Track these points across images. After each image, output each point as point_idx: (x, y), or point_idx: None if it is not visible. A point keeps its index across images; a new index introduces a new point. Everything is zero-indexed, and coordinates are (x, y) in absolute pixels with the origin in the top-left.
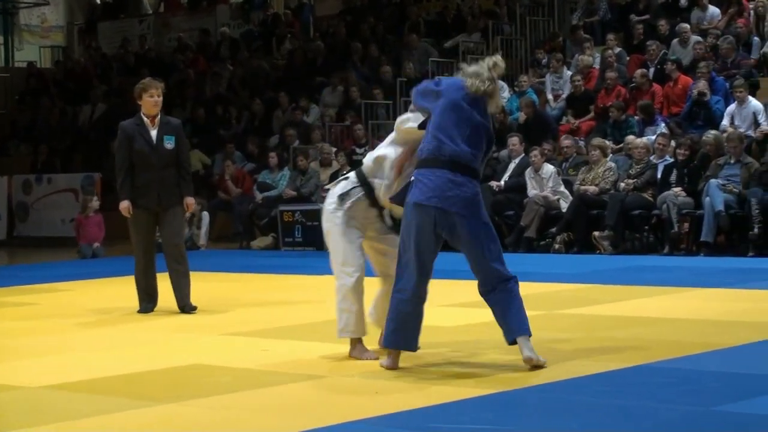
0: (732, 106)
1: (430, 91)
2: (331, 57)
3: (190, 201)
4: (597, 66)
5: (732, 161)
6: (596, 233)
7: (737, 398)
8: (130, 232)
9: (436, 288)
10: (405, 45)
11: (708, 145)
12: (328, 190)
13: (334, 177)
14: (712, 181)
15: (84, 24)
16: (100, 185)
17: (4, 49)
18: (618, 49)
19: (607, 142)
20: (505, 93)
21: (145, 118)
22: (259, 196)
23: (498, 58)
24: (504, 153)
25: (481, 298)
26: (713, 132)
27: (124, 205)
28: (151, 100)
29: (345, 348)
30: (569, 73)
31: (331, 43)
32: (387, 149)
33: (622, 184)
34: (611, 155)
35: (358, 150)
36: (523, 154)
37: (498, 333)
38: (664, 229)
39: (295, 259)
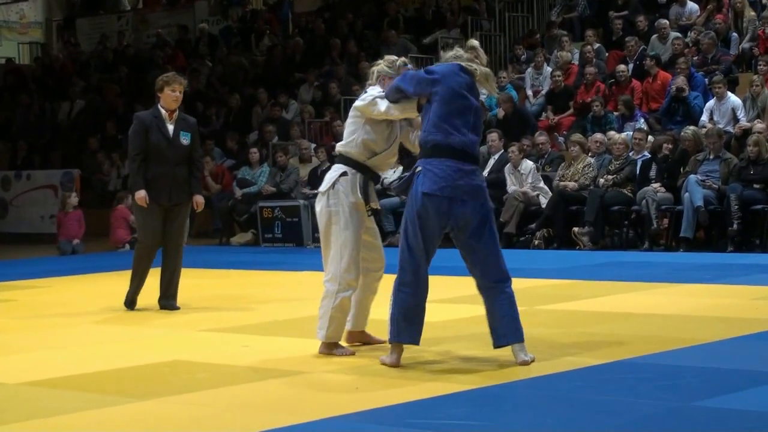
0: (711, 102)
1: (424, 79)
2: (310, 53)
3: (199, 199)
4: (576, 62)
5: (711, 157)
6: (576, 229)
7: (716, 393)
8: (138, 224)
9: None
10: (384, 41)
11: (687, 141)
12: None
13: (313, 173)
14: (691, 176)
15: (62, 20)
16: (79, 182)
17: None
18: (597, 45)
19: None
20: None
21: (163, 112)
22: (238, 193)
23: (472, 41)
24: (483, 149)
25: (465, 294)
26: (692, 128)
27: (141, 195)
28: (173, 94)
29: None
30: (549, 69)
31: (309, 39)
32: (365, 129)
33: (602, 180)
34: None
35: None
36: (503, 150)
37: (477, 329)
38: (643, 225)
39: (274, 255)
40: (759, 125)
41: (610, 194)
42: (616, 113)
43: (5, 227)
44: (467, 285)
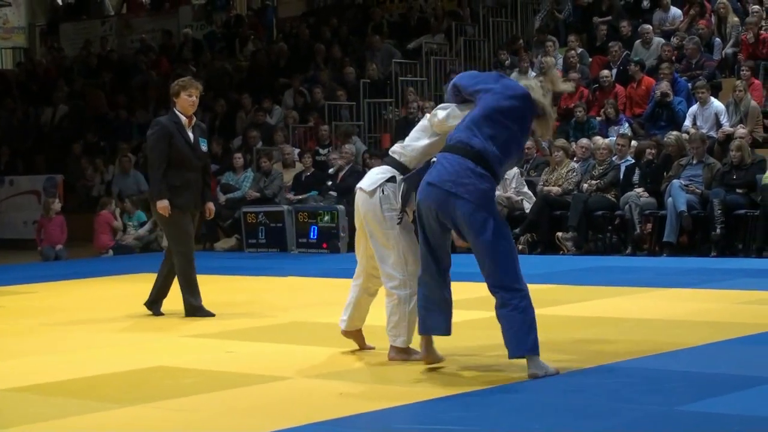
0: (694, 107)
1: (482, 79)
2: (294, 58)
3: (211, 206)
4: (560, 67)
5: (694, 162)
6: (560, 234)
7: (700, 398)
8: (170, 233)
9: None
10: (368, 46)
11: (670, 146)
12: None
13: (297, 178)
14: (675, 181)
15: (46, 25)
16: (62, 187)
17: None
18: (580, 50)
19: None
20: None
21: (182, 118)
22: (222, 198)
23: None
24: None
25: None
26: (675, 133)
27: (165, 204)
28: (189, 99)
29: (309, 350)
30: (533, 74)
31: (294, 44)
32: (429, 137)
33: (585, 185)
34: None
35: (321, 150)
36: None
37: (464, 333)
38: (627, 230)
39: (258, 260)
40: (741, 130)
41: (594, 199)
42: (599, 118)
43: None
44: (461, 290)
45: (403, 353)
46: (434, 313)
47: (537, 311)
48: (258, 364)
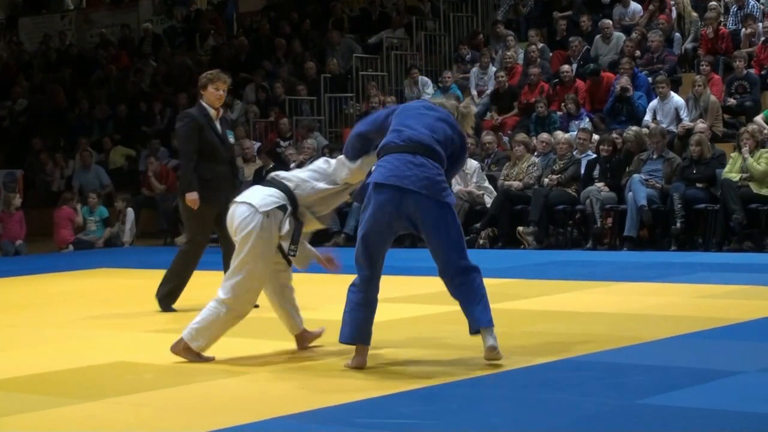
0: (654, 102)
1: (379, 114)
2: (255, 53)
3: None
4: (521, 62)
5: (654, 156)
6: (520, 228)
7: (661, 391)
8: (188, 225)
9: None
10: (329, 41)
11: (630, 141)
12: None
13: (258, 173)
14: (635, 176)
15: (5, 19)
16: (22, 182)
17: None
18: (541, 45)
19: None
20: (429, 89)
21: (211, 110)
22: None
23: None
24: None
25: (415, 293)
26: (634, 128)
27: (194, 197)
28: (217, 92)
29: (271, 344)
30: (494, 69)
31: (254, 39)
32: (329, 186)
33: (546, 180)
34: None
35: (282, 143)
36: None
37: (422, 328)
38: (587, 224)
39: (219, 255)
40: (701, 125)
41: (555, 193)
42: (560, 113)
43: None
44: (418, 284)
45: (190, 354)
46: (364, 324)
47: (498, 306)
48: (219, 359)
